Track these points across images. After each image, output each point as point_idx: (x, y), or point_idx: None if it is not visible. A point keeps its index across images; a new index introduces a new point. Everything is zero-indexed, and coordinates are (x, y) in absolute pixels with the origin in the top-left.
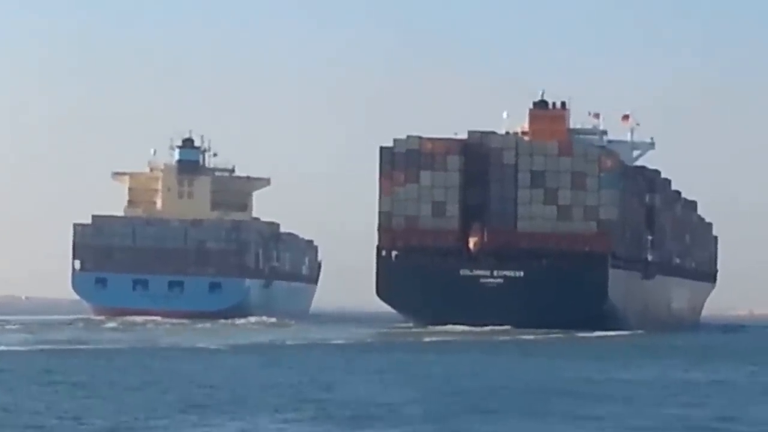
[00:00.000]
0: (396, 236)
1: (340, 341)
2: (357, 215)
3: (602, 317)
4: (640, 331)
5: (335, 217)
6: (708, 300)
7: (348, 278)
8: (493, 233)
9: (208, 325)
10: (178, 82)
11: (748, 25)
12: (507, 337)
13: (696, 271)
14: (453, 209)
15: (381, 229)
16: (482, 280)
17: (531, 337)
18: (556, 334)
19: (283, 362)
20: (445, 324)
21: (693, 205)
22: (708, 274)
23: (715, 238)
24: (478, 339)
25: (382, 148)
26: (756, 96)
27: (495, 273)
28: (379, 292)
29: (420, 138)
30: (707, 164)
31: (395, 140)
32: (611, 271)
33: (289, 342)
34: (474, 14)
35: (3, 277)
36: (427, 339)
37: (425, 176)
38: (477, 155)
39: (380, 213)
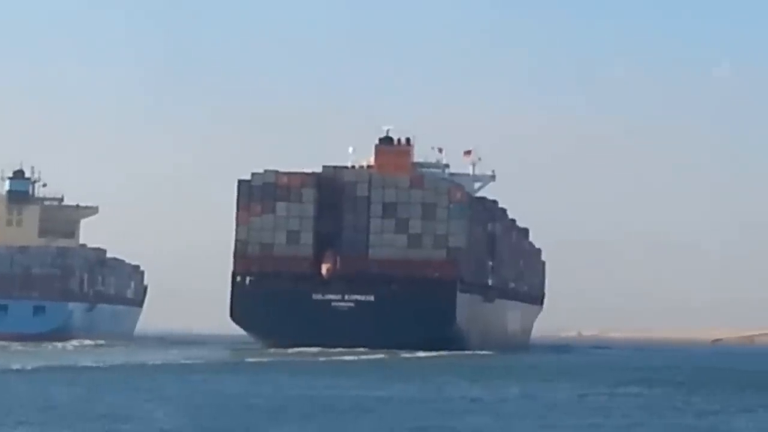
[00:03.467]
0: (251, 262)
1: (153, 362)
2: (187, 242)
3: (449, 339)
4: (484, 351)
5: (164, 244)
6: (536, 322)
7: (177, 301)
8: (345, 259)
9: (28, 347)
10: (10, 113)
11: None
12: (324, 358)
13: (527, 294)
14: (307, 237)
15: (237, 255)
16: (334, 304)
17: (353, 358)
18: (401, 354)
19: (79, 382)
20: (299, 346)
21: (525, 232)
22: (537, 298)
23: (543, 263)
24: (289, 359)
25: (240, 181)
26: (589, 128)
27: (346, 297)
28: (233, 316)
29: (276, 172)
30: (538, 194)
31: (253, 174)
32: (458, 296)
33: (93, 364)
34: (322, 52)
35: None
36: (247, 359)
37: (281, 207)
38: (331, 188)
39: (236, 241)
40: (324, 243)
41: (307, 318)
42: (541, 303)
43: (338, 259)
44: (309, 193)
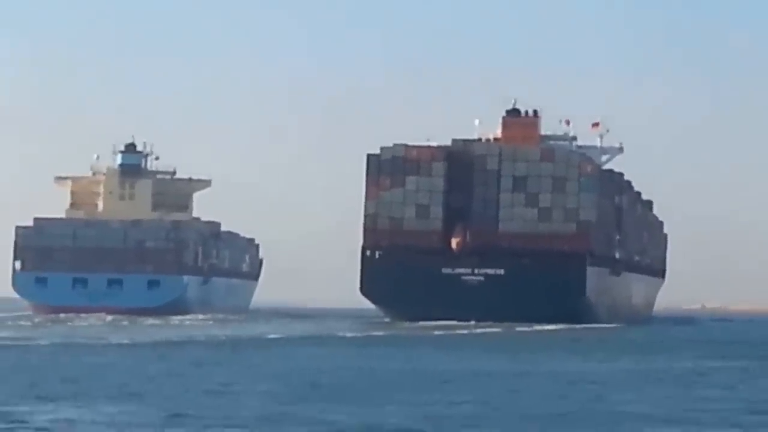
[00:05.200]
0: (381, 236)
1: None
2: (302, 217)
3: (578, 312)
4: (612, 324)
5: (280, 217)
6: (658, 294)
7: (291, 276)
8: (475, 233)
9: (156, 321)
10: (122, 86)
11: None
12: (465, 332)
13: (650, 267)
14: (437, 211)
15: (366, 229)
16: (464, 278)
17: (496, 330)
18: (534, 327)
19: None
20: (428, 320)
21: (650, 205)
22: (659, 270)
23: (666, 236)
24: (418, 334)
25: (369, 155)
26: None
27: (476, 271)
28: (363, 290)
29: (406, 146)
30: (664, 166)
31: (382, 148)
32: (588, 269)
33: (224, 336)
34: (447, 23)
35: None
36: (372, 333)
37: (410, 181)
38: (460, 161)
39: (366, 215)
40: (453, 217)
41: (437, 292)
42: (663, 276)
43: (468, 233)
44: (439, 167)
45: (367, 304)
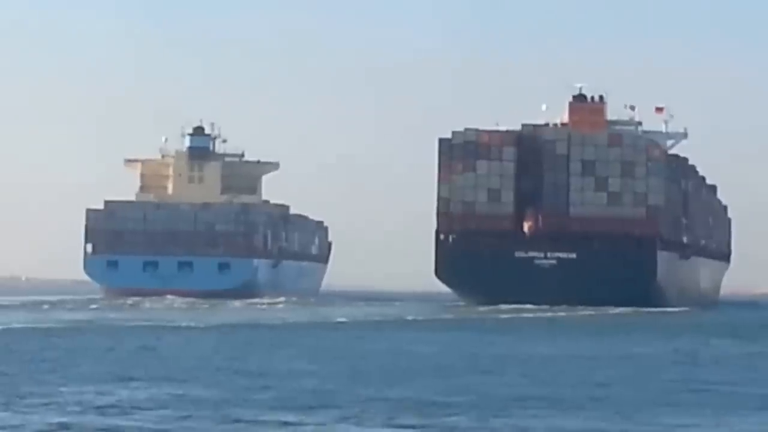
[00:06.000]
0: (454, 221)
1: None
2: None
3: (650, 296)
4: (682, 308)
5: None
6: (725, 278)
7: (360, 259)
8: (546, 217)
9: (237, 303)
10: (189, 69)
11: None
12: (530, 315)
13: (716, 251)
14: (508, 195)
15: (439, 214)
16: (537, 261)
17: (574, 313)
18: (608, 311)
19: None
20: (504, 303)
21: (714, 189)
22: (725, 255)
23: (729, 219)
24: (489, 317)
25: (440, 140)
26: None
27: (549, 255)
28: (438, 274)
29: (477, 130)
30: (727, 151)
31: (453, 132)
32: (659, 253)
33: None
34: (508, 10)
35: (13, 260)
36: (445, 316)
37: (481, 165)
38: (530, 146)
39: (439, 199)
40: (524, 201)
41: (511, 276)
42: (728, 260)
43: (540, 217)
44: (509, 152)
45: (441, 288)
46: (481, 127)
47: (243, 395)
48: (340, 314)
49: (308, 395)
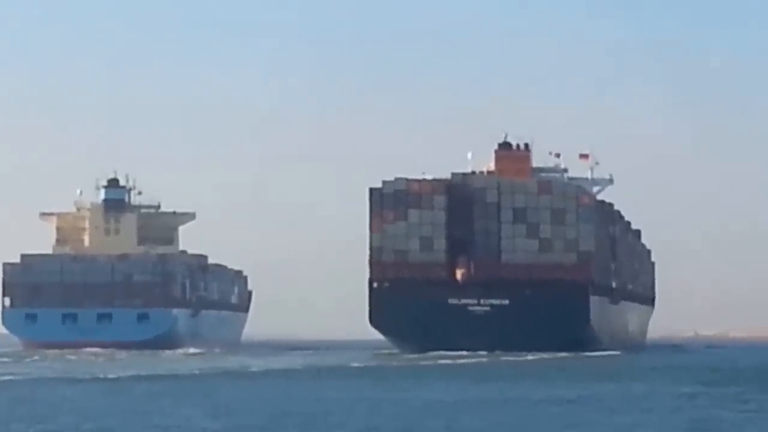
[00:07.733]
0: (387, 269)
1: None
2: (290, 248)
3: (583, 340)
4: (613, 352)
5: (265, 249)
6: (650, 322)
7: (283, 307)
8: (479, 265)
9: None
10: (101, 120)
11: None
12: (449, 361)
13: (642, 295)
14: (440, 243)
15: (372, 262)
16: (470, 308)
17: (530, 358)
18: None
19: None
20: (437, 350)
21: (638, 233)
22: (649, 298)
23: (653, 263)
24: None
25: (371, 189)
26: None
27: (482, 302)
28: (372, 321)
29: (407, 179)
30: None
31: (384, 182)
32: (591, 298)
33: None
34: (435, 55)
35: None
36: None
37: (413, 214)
38: (460, 195)
39: (371, 248)
40: (456, 249)
41: (445, 323)
42: (653, 304)
43: (472, 264)
44: (440, 200)
45: (369, 336)
46: (409, 176)
47: None
48: (253, 364)
49: None
